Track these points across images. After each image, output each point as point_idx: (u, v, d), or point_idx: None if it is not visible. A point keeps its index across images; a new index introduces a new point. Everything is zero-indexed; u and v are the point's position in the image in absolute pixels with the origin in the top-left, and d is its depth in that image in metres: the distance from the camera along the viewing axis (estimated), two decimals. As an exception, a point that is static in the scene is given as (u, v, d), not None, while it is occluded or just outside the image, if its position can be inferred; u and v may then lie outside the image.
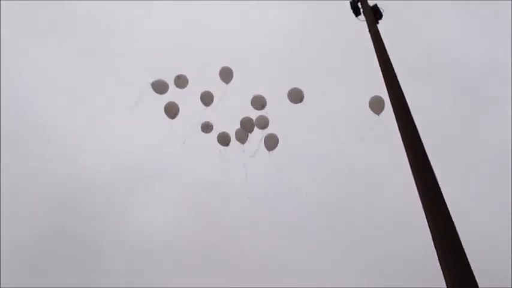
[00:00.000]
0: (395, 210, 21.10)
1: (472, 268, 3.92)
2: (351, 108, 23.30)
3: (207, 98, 10.88)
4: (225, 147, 11.30)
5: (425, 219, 4.56)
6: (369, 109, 9.78)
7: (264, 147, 11.00)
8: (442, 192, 4.61)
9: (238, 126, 11.03)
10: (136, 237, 22.45)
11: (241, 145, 11.23)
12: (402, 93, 5.73)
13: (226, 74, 10.90)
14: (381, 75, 6.44)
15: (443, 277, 3.97)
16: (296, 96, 10.07)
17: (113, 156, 24.07)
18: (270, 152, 10.79)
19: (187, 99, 12.02)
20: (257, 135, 11.91)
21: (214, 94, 11.22)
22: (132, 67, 24.48)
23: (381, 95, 9.59)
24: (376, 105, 9.63)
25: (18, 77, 24.82)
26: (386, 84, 6.10)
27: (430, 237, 4.41)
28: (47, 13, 25.47)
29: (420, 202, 4.67)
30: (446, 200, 4.56)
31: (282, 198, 22.80)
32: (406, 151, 5.16)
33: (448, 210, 4.44)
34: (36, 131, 24.23)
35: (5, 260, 19.77)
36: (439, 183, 4.68)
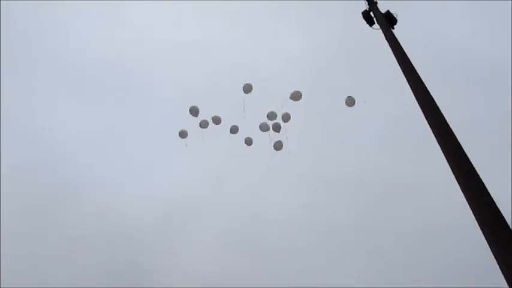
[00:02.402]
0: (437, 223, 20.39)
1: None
2: (380, 119, 23.23)
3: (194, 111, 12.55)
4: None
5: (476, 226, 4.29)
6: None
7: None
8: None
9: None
10: (179, 276, 22.51)
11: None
12: (430, 95, 5.48)
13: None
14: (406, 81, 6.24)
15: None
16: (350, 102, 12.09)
17: (151, 199, 24.79)
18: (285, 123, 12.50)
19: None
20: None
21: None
22: (161, 116, 25.35)
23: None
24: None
25: (56, 132, 26.00)
26: (411, 88, 5.87)
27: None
28: (76, 67, 26.84)
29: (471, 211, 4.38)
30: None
31: (323, 221, 22.67)
32: (447, 158, 4.84)
33: (500, 214, 4.13)
34: (79, 182, 25.20)
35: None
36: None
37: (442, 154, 5.06)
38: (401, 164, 22.84)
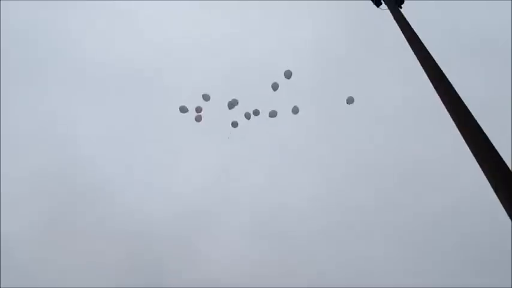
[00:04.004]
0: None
1: None
2: (397, 100, 22.84)
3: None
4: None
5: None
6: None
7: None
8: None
9: None
10: (206, 270, 22.72)
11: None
12: (441, 71, 5.22)
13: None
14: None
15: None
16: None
17: (172, 198, 24.95)
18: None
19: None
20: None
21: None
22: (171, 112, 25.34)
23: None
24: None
25: (76, 135, 26.29)
26: (423, 66, 5.60)
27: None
28: (93, 69, 27.04)
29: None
30: None
31: (342, 207, 22.55)
32: (466, 141, 4.58)
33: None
34: (100, 185, 25.50)
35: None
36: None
37: (459, 132, 4.82)
38: (418, 145, 22.53)
